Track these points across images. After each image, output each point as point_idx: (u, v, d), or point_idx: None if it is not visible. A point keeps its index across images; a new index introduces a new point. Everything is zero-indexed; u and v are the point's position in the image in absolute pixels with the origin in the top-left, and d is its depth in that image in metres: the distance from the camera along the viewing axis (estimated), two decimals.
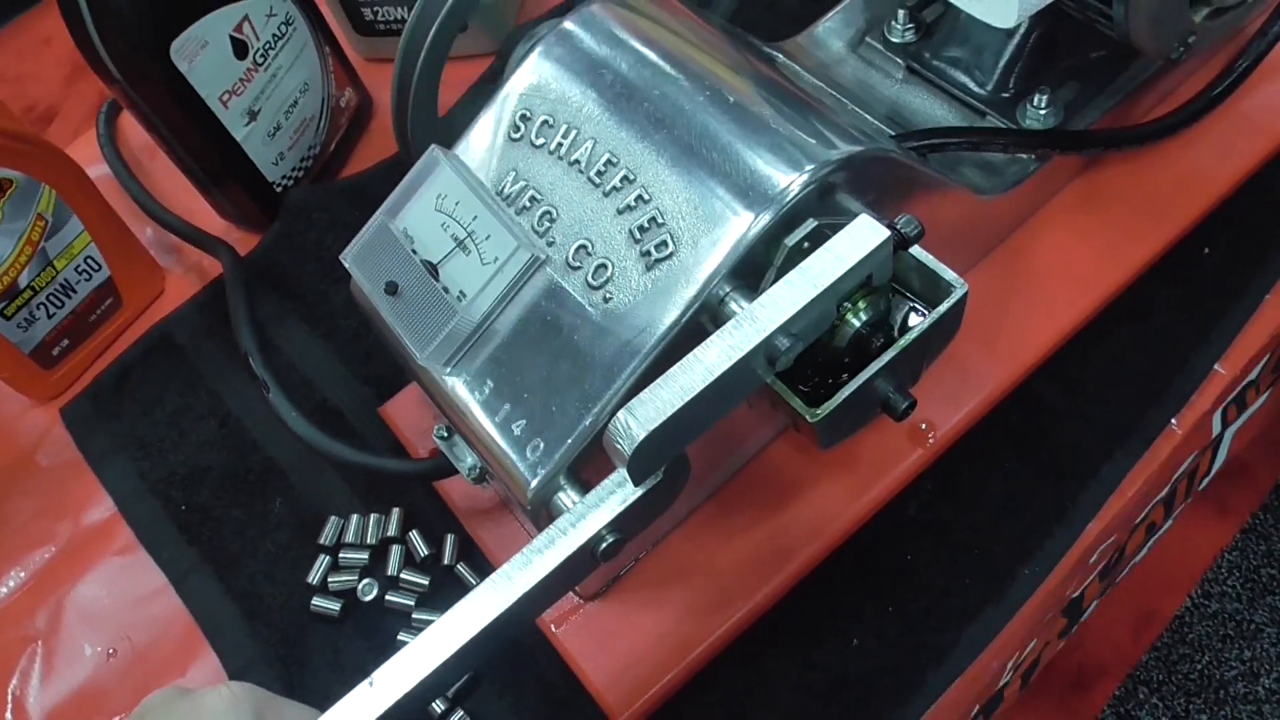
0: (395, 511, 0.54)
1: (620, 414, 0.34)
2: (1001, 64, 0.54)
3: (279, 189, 0.66)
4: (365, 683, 0.35)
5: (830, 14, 0.61)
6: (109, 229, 0.63)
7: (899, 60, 0.58)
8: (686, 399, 0.34)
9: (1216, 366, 0.50)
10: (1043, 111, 0.52)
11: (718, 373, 0.35)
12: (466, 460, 0.46)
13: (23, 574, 0.58)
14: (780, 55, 0.59)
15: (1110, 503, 0.48)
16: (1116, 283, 0.52)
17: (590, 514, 0.37)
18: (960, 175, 0.52)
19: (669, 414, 0.34)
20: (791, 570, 0.47)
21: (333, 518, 0.55)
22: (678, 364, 0.35)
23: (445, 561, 0.52)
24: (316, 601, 0.53)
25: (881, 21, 0.59)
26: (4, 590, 0.58)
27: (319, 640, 0.52)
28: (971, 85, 0.55)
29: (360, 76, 0.71)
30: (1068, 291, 0.51)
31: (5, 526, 0.60)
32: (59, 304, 0.62)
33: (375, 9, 0.71)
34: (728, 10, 0.66)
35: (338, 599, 0.52)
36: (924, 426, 0.49)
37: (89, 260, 0.62)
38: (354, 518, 0.54)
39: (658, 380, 0.35)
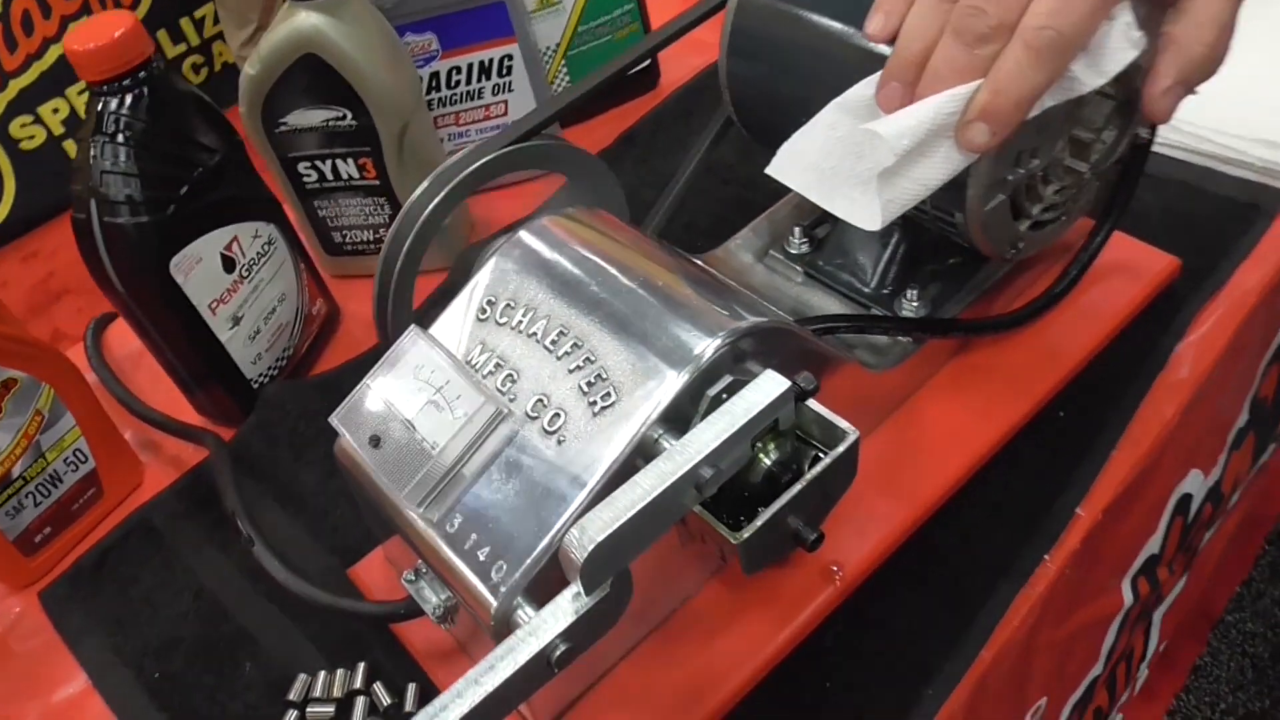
0: (360, 666, 0.58)
1: (573, 528, 0.41)
2: (879, 268, 0.65)
3: (256, 385, 0.73)
4: None
5: (739, 234, 0.73)
6: (98, 425, 0.69)
7: (798, 267, 0.69)
8: (629, 515, 0.41)
9: (1077, 509, 0.58)
10: (914, 304, 0.63)
11: (654, 494, 0.42)
12: (432, 600, 0.51)
13: None
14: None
15: (998, 630, 0.55)
16: (991, 442, 0.61)
17: (546, 624, 0.43)
18: (854, 355, 0.62)
19: (614, 528, 0.41)
20: (723, 695, 0.52)
21: (301, 675, 0.59)
22: (620, 488, 0.42)
23: (407, 708, 0.56)
24: None
25: (781, 238, 0.71)
26: None
27: None
28: (857, 284, 0.66)
29: (330, 290, 0.80)
30: (952, 449, 0.60)
31: None
32: (46, 494, 0.67)
33: (344, 234, 0.82)
34: (652, 232, 0.77)
35: None
36: (834, 568, 0.56)
37: (77, 453, 0.68)
38: (321, 674, 0.58)
39: (603, 501, 0.42)
